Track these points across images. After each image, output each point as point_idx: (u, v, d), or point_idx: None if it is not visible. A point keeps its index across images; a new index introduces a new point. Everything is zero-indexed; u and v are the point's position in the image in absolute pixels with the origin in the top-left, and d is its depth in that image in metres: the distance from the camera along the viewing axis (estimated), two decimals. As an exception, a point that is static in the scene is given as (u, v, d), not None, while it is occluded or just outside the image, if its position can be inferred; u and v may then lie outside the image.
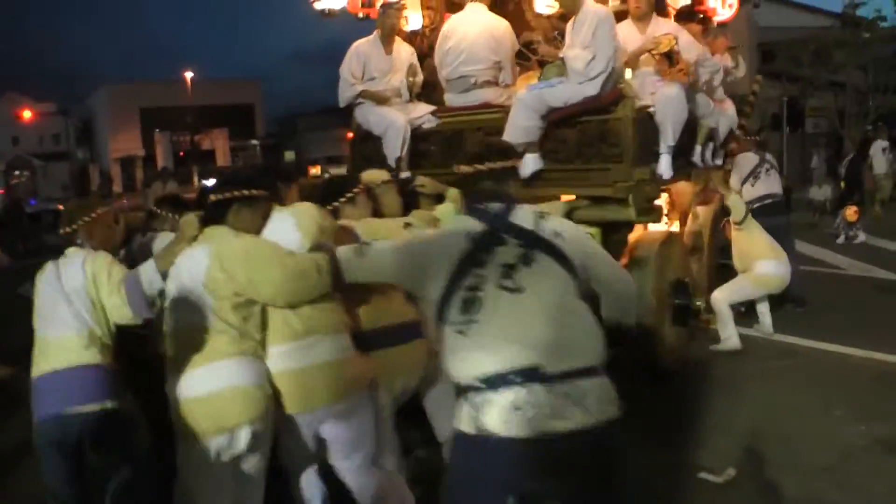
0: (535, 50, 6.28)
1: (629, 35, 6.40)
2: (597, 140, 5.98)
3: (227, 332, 3.27)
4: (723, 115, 7.89)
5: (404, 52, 7.07)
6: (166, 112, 46.84)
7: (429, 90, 7.17)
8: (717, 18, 8.45)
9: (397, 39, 7.09)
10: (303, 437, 3.45)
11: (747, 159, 8.64)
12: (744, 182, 8.47)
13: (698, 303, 6.74)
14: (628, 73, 6.44)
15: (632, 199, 5.77)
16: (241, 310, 3.29)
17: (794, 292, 8.20)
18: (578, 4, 5.95)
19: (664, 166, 6.19)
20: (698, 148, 7.25)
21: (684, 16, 7.19)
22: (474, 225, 2.74)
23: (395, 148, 6.60)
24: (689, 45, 6.41)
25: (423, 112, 6.86)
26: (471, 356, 2.60)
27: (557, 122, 6.08)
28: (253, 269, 3.27)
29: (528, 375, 2.48)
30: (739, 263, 7.34)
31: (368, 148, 6.98)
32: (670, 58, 6.12)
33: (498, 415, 2.46)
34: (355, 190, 4.15)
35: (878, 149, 17.52)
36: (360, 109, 6.97)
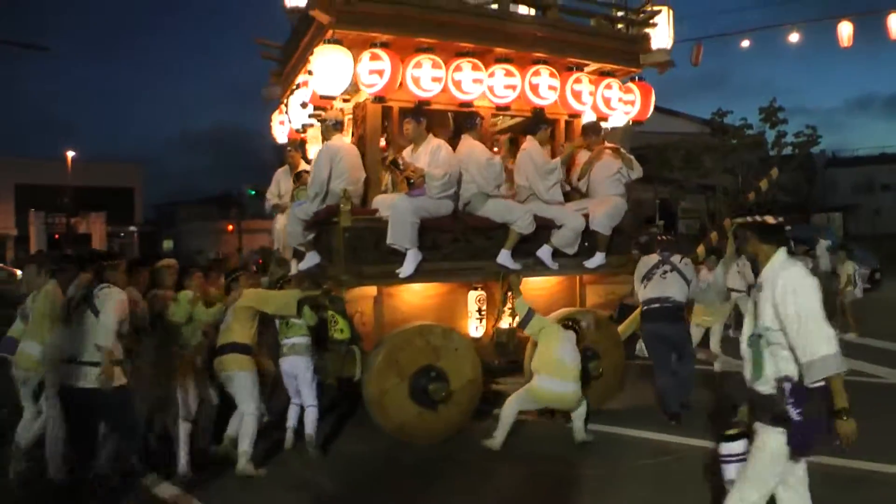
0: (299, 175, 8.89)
1: (406, 155, 7.91)
2: (331, 244, 7.83)
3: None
4: (571, 219, 8.21)
5: (306, 176, 8.72)
6: (43, 191, 45.08)
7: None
8: (609, 123, 9.10)
9: (302, 164, 9.53)
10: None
11: (645, 261, 8.50)
12: (640, 283, 8.44)
13: (433, 387, 7.31)
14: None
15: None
16: None
17: (671, 406, 8.11)
18: (323, 139, 8.15)
19: (404, 266, 7.43)
20: (504, 252, 7.97)
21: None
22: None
23: (276, 242, 9.86)
24: (447, 157, 7.57)
25: None
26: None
27: (321, 228, 8.14)
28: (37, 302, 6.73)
29: (69, 359, 5.79)
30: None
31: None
32: (398, 169, 7.74)
33: (60, 374, 5.94)
34: (115, 261, 6.33)
35: (823, 248, 17.04)
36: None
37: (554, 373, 7.18)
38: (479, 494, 6.14)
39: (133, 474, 6.22)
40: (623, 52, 8.88)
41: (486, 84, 7.99)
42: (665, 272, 8.28)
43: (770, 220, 4.07)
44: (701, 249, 9.63)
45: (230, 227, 57.62)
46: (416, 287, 7.91)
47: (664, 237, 9.22)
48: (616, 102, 8.75)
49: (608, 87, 8.68)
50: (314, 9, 7.42)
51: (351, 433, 8.01)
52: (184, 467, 6.66)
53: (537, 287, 8.61)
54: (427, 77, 7.67)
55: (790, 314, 3.87)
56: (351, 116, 8.76)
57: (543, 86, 8.26)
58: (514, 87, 8.06)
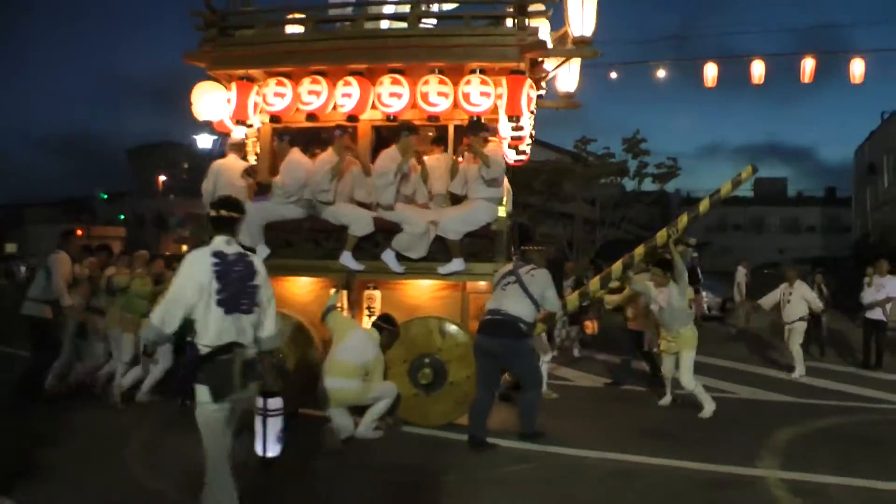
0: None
1: None
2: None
3: None
4: (410, 223, 8.19)
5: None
6: None
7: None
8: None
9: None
10: None
11: (501, 271, 7.85)
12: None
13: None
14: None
15: None
16: None
17: (473, 429, 7.34)
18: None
19: None
20: (344, 253, 8.36)
21: None
22: None
23: None
24: (291, 168, 8.50)
25: None
26: None
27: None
28: None
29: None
30: None
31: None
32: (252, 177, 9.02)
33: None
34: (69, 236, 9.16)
35: (742, 274, 18.28)
36: None
37: (333, 372, 7.30)
38: (324, 502, 5.78)
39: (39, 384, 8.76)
40: (495, 48, 8.40)
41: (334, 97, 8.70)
42: (507, 283, 7.57)
43: (212, 212, 4.91)
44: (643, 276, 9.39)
45: (79, 232, 55.41)
46: (302, 281, 8.88)
47: (531, 247, 8.37)
48: (477, 97, 8.33)
49: (467, 83, 8.34)
50: (187, 59, 9.18)
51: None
52: (116, 390, 8.81)
53: (420, 292, 8.57)
54: (271, 94, 8.87)
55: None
56: (255, 139, 9.72)
57: (385, 94, 8.56)
58: (349, 96, 8.58)
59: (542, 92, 10.73)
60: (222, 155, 9.83)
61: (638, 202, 28.45)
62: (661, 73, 19.76)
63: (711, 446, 7.38)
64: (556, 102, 10.76)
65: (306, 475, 6.32)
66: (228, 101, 8.94)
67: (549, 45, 9.01)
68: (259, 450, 4.80)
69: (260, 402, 4.68)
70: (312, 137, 9.17)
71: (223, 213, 4.88)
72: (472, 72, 8.40)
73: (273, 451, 4.86)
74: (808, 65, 17.05)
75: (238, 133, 9.68)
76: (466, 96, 8.32)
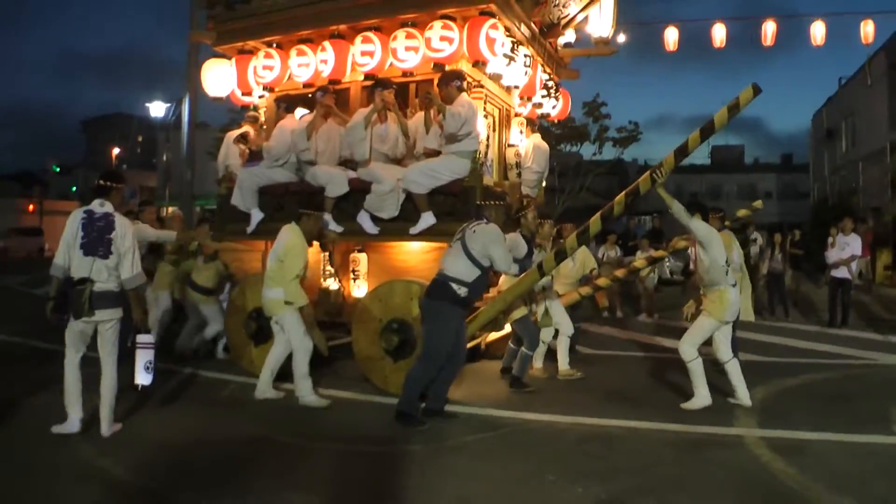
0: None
1: None
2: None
3: None
4: (378, 181, 7.96)
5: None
6: None
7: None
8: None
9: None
10: None
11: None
12: None
13: (253, 325, 8.67)
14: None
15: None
16: None
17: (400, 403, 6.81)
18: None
19: (250, 224, 8.99)
20: (325, 215, 8.17)
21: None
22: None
23: None
24: (278, 132, 8.67)
25: None
26: None
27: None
28: None
29: None
30: None
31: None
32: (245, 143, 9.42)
33: None
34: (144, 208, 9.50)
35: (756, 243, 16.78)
36: None
37: (266, 282, 7.48)
38: (291, 476, 5.50)
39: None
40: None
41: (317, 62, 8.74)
42: (456, 240, 6.93)
43: (95, 182, 6.31)
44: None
45: (31, 207, 54.16)
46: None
47: (489, 202, 7.57)
48: (438, 42, 7.92)
49: (430, 28, 7.98)
50: (194, 37, 10.09)
51: (168, 412, 7.18)
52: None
53: (408, 255, 8.43)
54: (260, 66, 9.15)
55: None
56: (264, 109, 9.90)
57: (357, 53, 8.46)
58: (325, 62, 8.62)
59: (570, 39, 10.50)
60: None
61: (598, 166, 28.31)
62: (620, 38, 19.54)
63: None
64: (588, 50, 10.65)
65: (268, 445, 6.10)
66: (231, 73, 9.52)
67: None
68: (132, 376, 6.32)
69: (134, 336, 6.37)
70: (311, 103, 8.88)
71: (101, 182, 6.18)
72: (443, 18, 7.95)
73: (142, 378, 6.33)
74: (770, 28, 16.90)
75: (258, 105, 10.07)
76: (428, 42, 7.97)
